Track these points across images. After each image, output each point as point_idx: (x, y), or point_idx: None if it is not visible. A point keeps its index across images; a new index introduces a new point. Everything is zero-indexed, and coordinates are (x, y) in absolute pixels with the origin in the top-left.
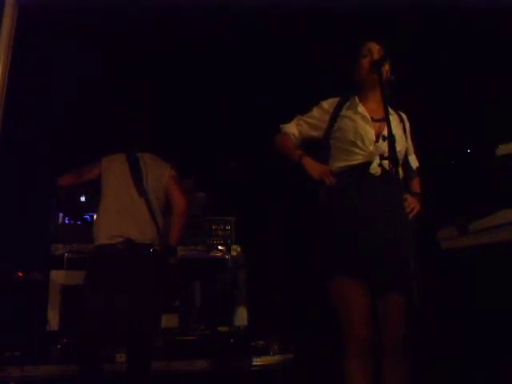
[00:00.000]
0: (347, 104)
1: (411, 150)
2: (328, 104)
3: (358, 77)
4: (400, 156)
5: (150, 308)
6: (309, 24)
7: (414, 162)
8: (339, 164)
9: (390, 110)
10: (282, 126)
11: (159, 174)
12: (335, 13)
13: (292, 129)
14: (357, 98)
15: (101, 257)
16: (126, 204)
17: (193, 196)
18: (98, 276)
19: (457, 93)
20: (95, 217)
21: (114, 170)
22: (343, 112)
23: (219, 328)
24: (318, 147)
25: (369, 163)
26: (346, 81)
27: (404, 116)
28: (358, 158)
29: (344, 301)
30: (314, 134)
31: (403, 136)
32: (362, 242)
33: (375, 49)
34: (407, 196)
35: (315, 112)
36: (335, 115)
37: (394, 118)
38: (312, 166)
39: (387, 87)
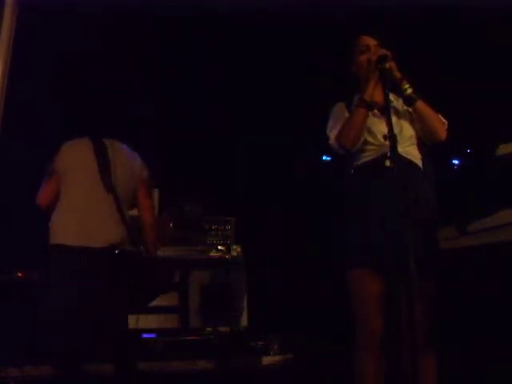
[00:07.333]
0: (353, 106)
1: None
2: (342, 106)
3: (360, 73)
4: (414, 141)
5: (114, 308)
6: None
7: None
8: (357, 162)
9: (394, 99)
10: (330, 135)
11: (129, 170)
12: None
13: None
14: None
15: (60, 258)
16: (92, 201)
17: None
18: (57, 277)
19: (456, 93)
20: (54, 212)
21: (76, 161)
22: None
23: (219, 328)
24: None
25: (384, 156)
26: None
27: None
28: (371, 154)
29: (358, 293)
30: None
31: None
32: (381, 235)
33: (372, 44)
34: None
35: (345, 113)
36: None
37: (401, 105)
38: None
39: (390, 81)
